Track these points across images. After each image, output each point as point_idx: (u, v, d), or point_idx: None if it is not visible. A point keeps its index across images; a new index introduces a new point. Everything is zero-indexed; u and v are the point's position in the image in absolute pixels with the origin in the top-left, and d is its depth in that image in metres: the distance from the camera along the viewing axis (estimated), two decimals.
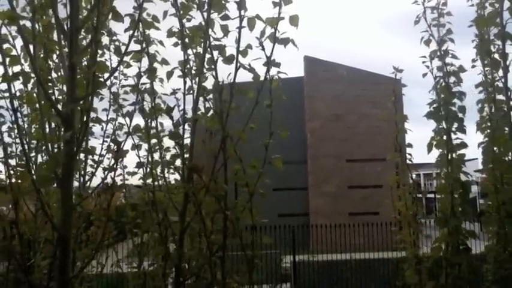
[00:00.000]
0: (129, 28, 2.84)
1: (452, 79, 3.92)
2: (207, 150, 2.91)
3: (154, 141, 3.17)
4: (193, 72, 2.97)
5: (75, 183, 3.36)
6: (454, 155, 3.88)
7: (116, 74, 3.52)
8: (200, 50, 2.93)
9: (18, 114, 2.96)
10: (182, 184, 2.96)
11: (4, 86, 2.85)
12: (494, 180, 3.92)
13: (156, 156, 3.16)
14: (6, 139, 3.15)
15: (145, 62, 3.17)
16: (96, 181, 3.53)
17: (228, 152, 2.84)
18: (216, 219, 2.91)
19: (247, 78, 2.87)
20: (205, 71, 2.91)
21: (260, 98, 2.85)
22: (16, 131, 3.06)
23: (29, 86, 2.91)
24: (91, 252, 3.02)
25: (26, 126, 3.28)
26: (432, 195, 16.24)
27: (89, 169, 3.59)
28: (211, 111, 2.95)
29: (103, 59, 3.25)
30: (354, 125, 17.90)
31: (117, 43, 3.27)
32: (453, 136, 3.86)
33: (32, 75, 2.65)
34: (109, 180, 2.88)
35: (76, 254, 3.21)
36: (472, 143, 4.02)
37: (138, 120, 3.23)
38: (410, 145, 4.43)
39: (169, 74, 3.02)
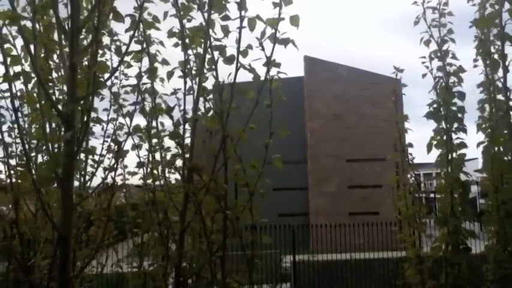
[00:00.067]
0: (130, 28, 2.85)
1: (452, 79, 3.93)
2: (207, 150, 2.91)
3: (154, 141, 3.17)
4: (193, 72, 2.98)
5: (76, 183, 3.36)
6: (454, 155, 3.88)
7: (117, 74, 3.53)
8: (200, 50, 2.93)
9: (19, 114, 2.97)
10: (182, 184, 2.96)
11: (5, 85, 2.87)
12: (494, 180, 3.92)
13: (157, 156, 3.17)
14: (7, 139, 3.16)
15: (145, 62, 3.19)
16: (96, 181, 3.53)
17: (228, 152, 2.85)
18: (216, 219, 2.92)
19: (248, 78, 2.87)
20: (205, 71, 2.91)
21: (260, 98, 2.85)
22: (17, 130, 3.07)
23: (30, 86, 2.92)
24: (91, 252, 3.02)
25: (26, 126, 3.27)
26: (432, 195, 16.21)
27: (89, 169, 3.59)
28: (212, 111, 2.95)
29: (104, 59, 3.26)
30: (354, 125, 17.88)
31: (117, 43, 3.28)
32: (453, 136, 3.87)
33: (33, 75, 2.66)
34: (109, 180, 2.90)
35: (76, 254, 3.20)
36: (472, 143, 4.03)
37: (139, 120, 3.24)
38: (410, 145, 4.44)
39: (170, 74, 3.02)
